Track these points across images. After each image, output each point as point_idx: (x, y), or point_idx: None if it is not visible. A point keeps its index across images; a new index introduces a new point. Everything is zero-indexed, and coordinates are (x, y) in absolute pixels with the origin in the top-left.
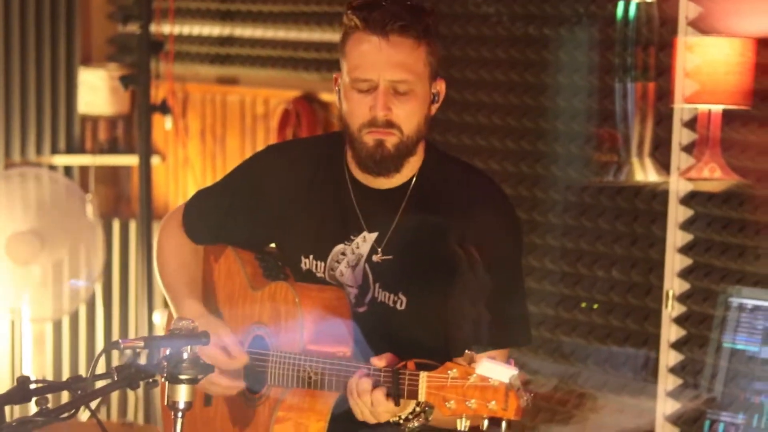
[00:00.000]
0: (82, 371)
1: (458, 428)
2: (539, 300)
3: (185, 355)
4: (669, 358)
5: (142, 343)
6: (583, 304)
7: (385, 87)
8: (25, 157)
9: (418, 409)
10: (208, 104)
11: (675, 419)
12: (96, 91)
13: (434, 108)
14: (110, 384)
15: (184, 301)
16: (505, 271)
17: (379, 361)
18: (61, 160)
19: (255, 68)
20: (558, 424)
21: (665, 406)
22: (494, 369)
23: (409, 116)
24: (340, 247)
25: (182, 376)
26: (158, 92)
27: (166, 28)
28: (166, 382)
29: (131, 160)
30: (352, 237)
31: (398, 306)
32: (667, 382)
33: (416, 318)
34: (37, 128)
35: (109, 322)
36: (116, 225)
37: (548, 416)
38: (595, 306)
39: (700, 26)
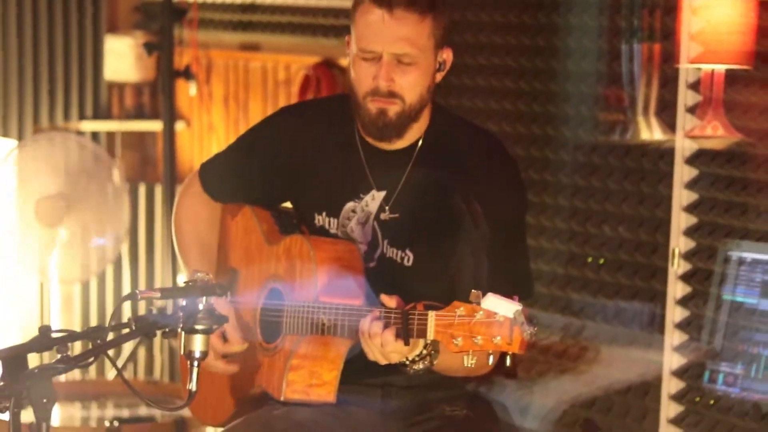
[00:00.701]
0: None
1: (465, 364)
2: (551, 258)
3: (200, 306)
4: (675, 314)
5: (158, 294)
6: (590, 259)
7: (389, 59)
8: (53, 122)
9: (425, 351)
10: (231, 70)
11: (681, 373)
12: (122, 58)
13: (439, 76)
14: (128, 333)
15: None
16: (508, 227)
17: (390, 300)
18: (89, 125)
19: (276, 35)
20: (568, 376)
21: (671, 360)
22: (499, 304)
23: (412, 86)
24: (350, 205)
25: (198, 327)
26: (182, 59)
27: None
28: (182, 333)
29: (156, 126)
30: (361, 195)
31: (405, 262)
32: (673, 337)
33: (423, 273)
34: (64, 95)
35: (135, 284)
36: (142, 189)
37: (559, 369)
38: (602, 261)
39: None
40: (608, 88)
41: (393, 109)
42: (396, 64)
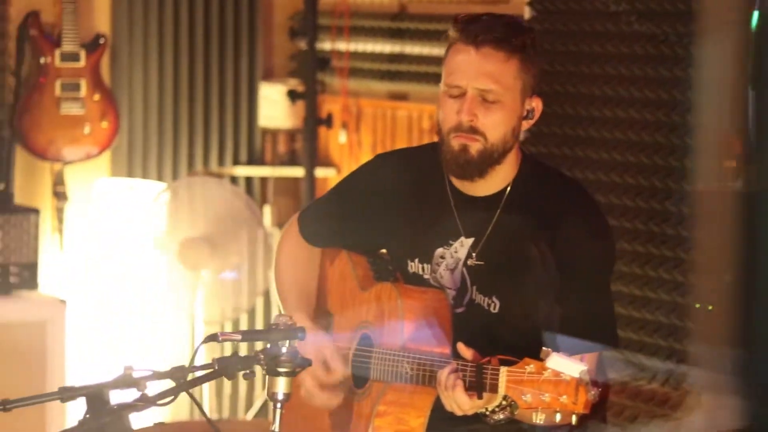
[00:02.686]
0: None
1: (533, 421)
2: (655, 308)
3: (284, 349)
4: None
5: (239, 337)
6: (697, 305)
7: (473, 94)
8: (207, 168)
9: (504, 402)
10: (380, 119)
11: None
12: (275, 105)
13: (527, 124)
14: (209, 373)
15: (293, 314)
16: (592, 277)
17: (466, 351)
18: (242, 171)
19: (422, 84)
20: (659, 420)
21: None
22: (564, 363)
23: (495, 125)
24: (440, 251)
25: (281, 369)
26: (331, 107)
27: (342, 45)
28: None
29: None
30: (450, 242)
31: (492, 309)
32: None
33: (508, 320)
34: (219, 140)
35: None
36: None
37: (649, 414)
38: (710, 308)
39: None
40: (731, 137)
41: (475, 147)
42: (480, 101)
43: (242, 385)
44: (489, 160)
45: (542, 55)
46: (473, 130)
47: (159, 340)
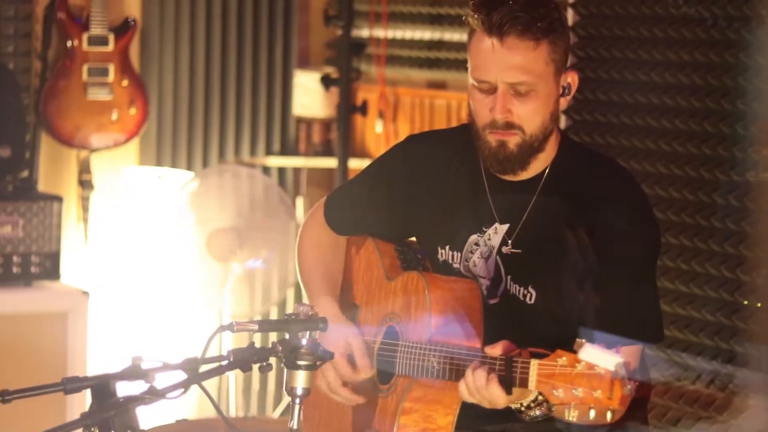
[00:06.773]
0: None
1: (566, 417)
2: (701, 305)
3: (304, 341)
4: None
5: (256, 327)
6: (745, 302)
7: (504, 89)
8: (238, 157)
9: (540, 397)
10: (417, 108)
11: None
12: (311, 93)
13: (564, 101)
14: (223, 366)
15: (319, 299)
16: (633, 265)
17: (493, 350)
18: (275, 161)
19: (462, 72)
20: (704, 423)
21: None
22: (598, 355)
23: (531, 116)
24: (473, 238)
25: (300, 362)
26: (369, 95)
27: (379, 32)
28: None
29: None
30: (484, 228)
31: (528, 300)
32: None
33: (545, 312)
34: (251, 129)
35: None
36: None
37: (693, 416)
38: (759, 305)
39: None
40: None
41: (513, 141)
42: (512, 94)
43: (271, 380)
44: (530, 151)
45: (568, 27)
46: (509, 126)
47: (185, 333)
